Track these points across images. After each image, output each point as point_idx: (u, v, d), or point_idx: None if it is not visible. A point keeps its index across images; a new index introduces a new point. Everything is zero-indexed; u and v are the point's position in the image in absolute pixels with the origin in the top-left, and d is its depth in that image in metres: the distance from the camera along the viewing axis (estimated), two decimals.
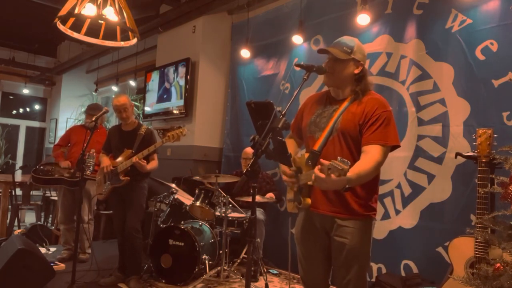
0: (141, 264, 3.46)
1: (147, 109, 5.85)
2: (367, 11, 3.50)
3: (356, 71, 1.81)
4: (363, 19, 3.54)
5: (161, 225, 3.72)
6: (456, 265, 2.37)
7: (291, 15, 4.39)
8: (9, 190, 5.14)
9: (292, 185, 1.87)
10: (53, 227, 5.15)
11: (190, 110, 5.14)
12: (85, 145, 3.00)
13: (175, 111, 5.31)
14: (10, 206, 5.27)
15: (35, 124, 9.52)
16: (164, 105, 5.53)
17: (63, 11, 2.89)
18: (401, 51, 3.38)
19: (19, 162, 9.01)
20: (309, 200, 1.78)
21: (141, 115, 6.26)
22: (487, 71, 2.84)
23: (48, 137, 9.27)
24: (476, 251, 2.24)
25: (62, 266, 3.72)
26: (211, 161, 5.14)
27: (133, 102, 3.70)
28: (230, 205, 3.61)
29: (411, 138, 3.21)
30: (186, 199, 3.93)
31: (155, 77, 5.74)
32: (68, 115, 8.63)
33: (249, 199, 3.56)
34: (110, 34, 3.31)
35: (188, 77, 5.13)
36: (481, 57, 2.89)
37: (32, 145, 9.46)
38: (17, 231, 4.17)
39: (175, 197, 3.84)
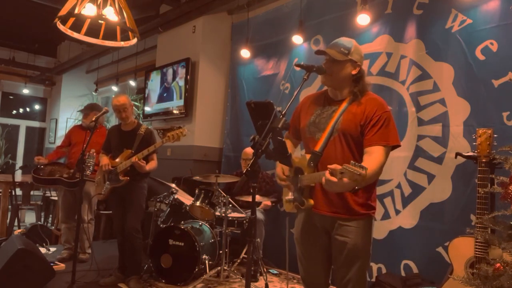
0: (141, 264, 3.46)
1: (147, 109, 5.85)
2: (367, 11, 3.50)
3: (354, 72, 1.82)
4: (363, 19, 3.54)
5: (161, 225, 3.72)
6: (456, 265, 2.37)
7: (291, 15, 4.39)
8: (9, 190, 5.14)
9: (289, 187, 1.88)
10: (53, 227, 5.15)
11: (190, 110, 5.14)
12: (84, 145, 3.00)
13: (175, 111, 5.31)
14: (10, 206, 5.27)
15: (35, 124, 9.53)
16: (164, 105, 5.53)
17: (63, 11, 2.89)
18: (401, 51, 3.38)
19: (19, 162, 9.01)
20: (312, 201, 1.80)
21: (141, 115, 6.26)
22: (487, 71, 2.84)
23: (48, 137, 9.27)
24: (476, 251, 2.24)
25: (62, 266, 3.72)
26: (211, 161, 5.14)
27: (133, 102, 3.71)
28: (230, 205, 3.61)
29: (411, 138, 3.21)
30: (186, 199, 3.93)
31: (155, 77, 5.74)
32: (68, 115, 8.63)
33: (249, 199, 3.56)
34: (110, 34, 3.31)
35: (188, 77, 5.13)
36: (481, 57, 2.89)
37: (32, 145, 9.46)
38: (17, 231, 4.17)
39: (175, 197, 3.84)
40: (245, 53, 4.74)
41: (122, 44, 3.42)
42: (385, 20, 3.54)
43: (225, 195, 3.53)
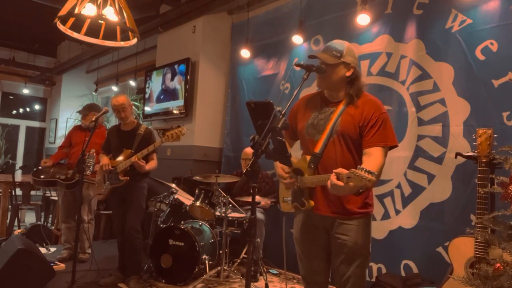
0: (141, 264, 3.46)
1: (147, 109, 5.85)
2: (367, 11, 3.49)
3: (348, 74, 1.83)
4: (363, 19, 3.54)
5: (161, 225, 3.72)
6: (456, 265, 2.37)
7: (291, 15, 4.39)
8: (9, 190, 5.14)
9: (291, 187, 1.89)
10: (53, 227, 5.15)
11: (190, 110, 5.14)
12: (84, 145, 3.00)
13: (175, 111, 5.31)
14: (10, 206, 5.27)
15: (35, 124, 9.53)
16: (164, 105, 5.53)
17: (63, 11, 2.89)
18: (401, 51, 3.38)
19: (19, 162, 9.01)
20: (312, 203, 1.83)
21: (141, 115, 6.26)
22: (487, 71, 2.84)
23: (48, 137, 9.27)
24: (476, 251, 2.24)
25: (62, 266, 3.71)
26: (211, 161, 5.14)
27: (133, 102, 3.70)
28: (230, 205, 3.61)
29: (411, 138, 3.21)
30: (186, 199, 3.93)
31: (155, 77, 5.75)
32: (68, 115, 8.63)
33: (249, 199, 3.56)
34: (110, 34, 3.31)
35: (188, 77, 5.13)
36: (481, 57, 2.89)
37: (32, 145, 9.46)
38: (17, 231, 4.17)
39: (175, 197, 3.84)
40: (245, 53, 4.74)
41: (122, 44, 3.42)
42: (385, 20, 3.54)
43: (225, 195, 3.53)
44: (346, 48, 1.83)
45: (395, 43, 3.43)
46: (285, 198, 1.97)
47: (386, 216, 3.31)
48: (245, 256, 3.72)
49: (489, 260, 1.99)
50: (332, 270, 1.94)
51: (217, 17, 5.24)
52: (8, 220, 5.11)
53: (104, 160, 3.36)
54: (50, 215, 6.26)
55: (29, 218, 6.89)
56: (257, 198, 3.63)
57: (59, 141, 7.25)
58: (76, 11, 2.92)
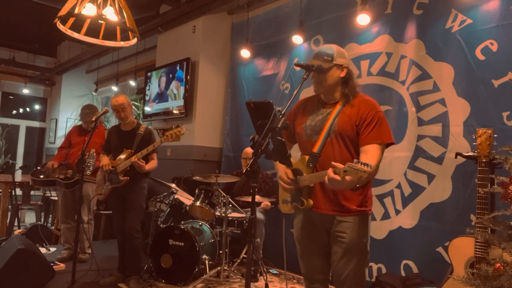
0: (141, 264, 3.46)
1: (147, 109, 5.85)
2: (367, 11, 3.49)
3: (342, 75, 1.89)
4: (363, 19, 3.54)
5: (161, 225, 3.72)
6: (456, 265, 2.37)
7: (291, 15, 4.39)
8: (9, 190, 5.15)
9: (290, 188, 1.91)
10: (53, 227, 5.15)
11: (190, 110, 5.14)
12: (84, 145, 3.00)
13: (175, 111, 5.31)
14: (10, 206, 5.27)
15: (35, 124, 9.53)
16: (164, 105, 5.53)
17: (63, 11, 2.89)
18: (401, 51, 3.38)
19: (19, 162, 9.01)
20: (311, 201, 1.85)
21: (141, 115, 6.26)
22: (487, 71, 2.84)
23: (48, 137, 9.27)
24: (476, 251, 2.24)
25: (62, 266, 3.71)
26: (211, 161, 5.14)
27: (133, 102, 3.70)
28: (230, 205, 3.61)
29: (411, 138, 3.21)
30: (186, 199, 3.93)
31: (155, 77, 5.74)
32: (68, 115, 8.63)
33: (249, 199, 3.56)
34: (110, 34, 3.31)
35: (188, 77, 5.13)
36: (481, 57, 2.89)
37: (32, 145, 9.46)
38: (17, 231, 4.17)
39: (175, 197, 3.84)
40: (245, 53, 4.74)
41: (122, 44, 3.42)
42: (385, 20, 3.53)
43: (225, 195, 3.53)
44: (335, 51, 1.87)
45: (395, 43, 3.43)
46: (284, 198, 1.98)
47: (386, 216, 3.31)
48: (245, 256, 3.72)
49: (489, 260, 1.99)
50: (331, 269, 1.95)
51: (217, 17, 5.24)
52: (8, 220, 5.11)
53: (105, 160, 3.36)
54: (50, 215, 6.26)
55: (29, 218, 6.89)
56: (257, 198, 3.63)
57: (59, 141, 7.25)
58: (76, 11, 2.92)
